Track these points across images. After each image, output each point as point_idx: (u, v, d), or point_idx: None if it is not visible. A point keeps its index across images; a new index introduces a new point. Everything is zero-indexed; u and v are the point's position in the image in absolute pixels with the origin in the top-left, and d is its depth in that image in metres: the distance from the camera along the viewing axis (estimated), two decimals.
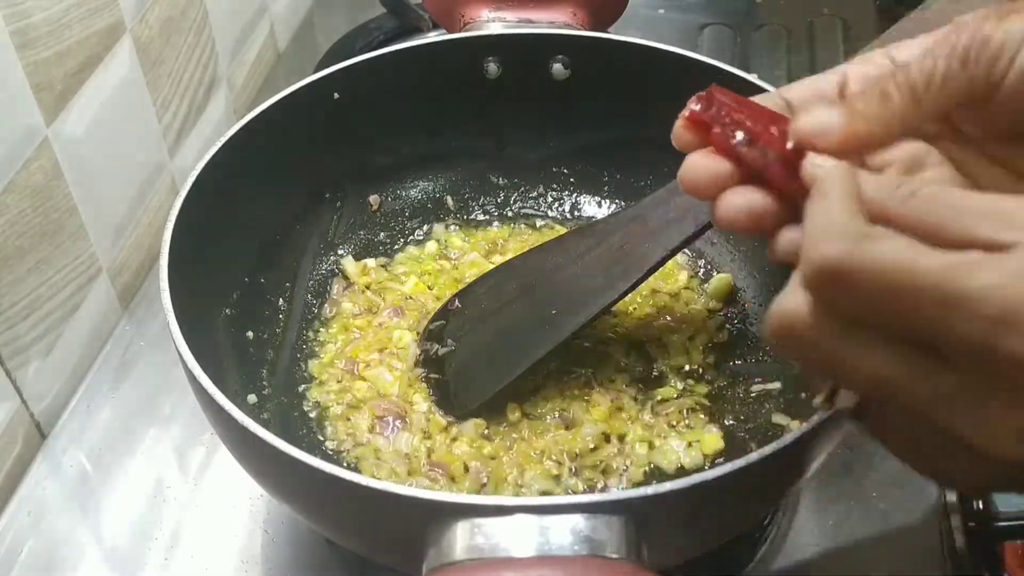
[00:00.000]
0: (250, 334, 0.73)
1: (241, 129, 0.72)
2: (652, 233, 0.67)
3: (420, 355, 0.75)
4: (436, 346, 0.74)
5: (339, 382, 0.75)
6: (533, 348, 0.70)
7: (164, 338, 0.60)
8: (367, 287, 0.82)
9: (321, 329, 0.79)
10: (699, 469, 0.68)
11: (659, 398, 0.73)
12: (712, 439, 0.69)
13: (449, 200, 0.88)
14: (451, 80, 0.82)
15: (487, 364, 0.72)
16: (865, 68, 0.49)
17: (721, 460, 0.68)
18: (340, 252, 0.83)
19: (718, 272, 0.82)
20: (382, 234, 0.86)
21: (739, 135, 0.47)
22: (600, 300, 0.69)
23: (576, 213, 0.88)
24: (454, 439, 0.71)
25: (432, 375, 0.74)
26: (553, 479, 0.68)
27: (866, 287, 0.38)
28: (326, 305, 0.80)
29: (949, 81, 0.44)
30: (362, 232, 0.85)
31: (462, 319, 0.75)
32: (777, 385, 0.71)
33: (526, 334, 0.71)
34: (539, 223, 0.87)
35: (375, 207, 0.85)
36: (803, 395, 0.67)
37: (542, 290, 0.72)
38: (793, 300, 0.41)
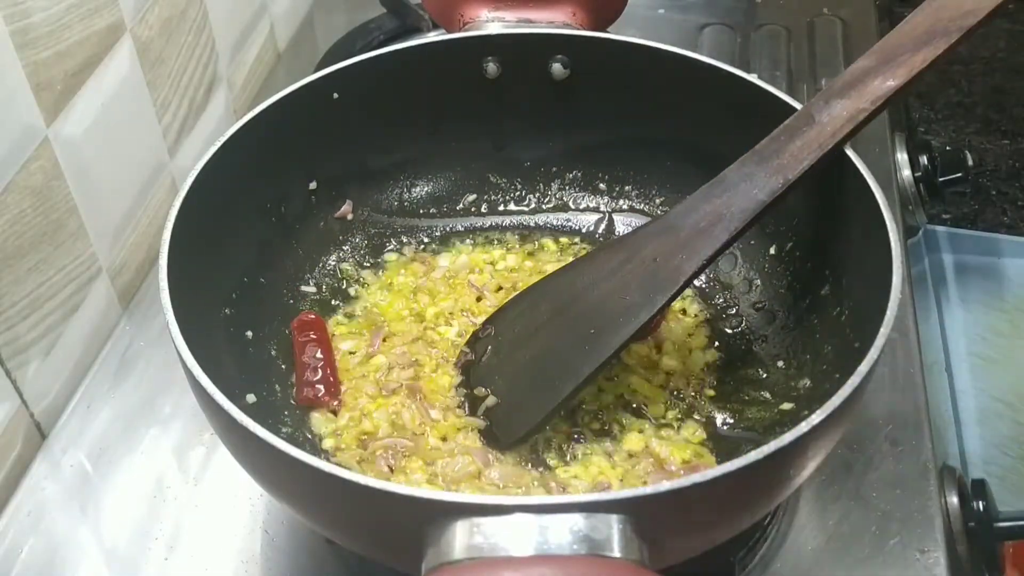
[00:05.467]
0: (250, 334, 0.73)
1: (241, 129, 0.72)
2: (684, 244, 0.66)
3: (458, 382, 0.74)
4: (482, 389, 0.72)
5: None
6: (576, 369, 0.68)
7: (164, 338, 0.60)
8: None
9: None
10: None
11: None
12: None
13: None
14: (451, 80, 0.82)
15: (529, 390, 0.70)
16: None
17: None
18: (340, 252, 0.83)
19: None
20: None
21: None
22: (639, 316, 0.67)
23: (576, 213, 0.88)
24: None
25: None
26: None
27: None
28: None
29: None
30: (362, 232, 0.85)
31: (497, 346, 0.74)
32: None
33: (567, 355, 0.69)
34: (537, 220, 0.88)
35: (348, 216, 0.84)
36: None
37: (577, 309, 0.70)
38: None
